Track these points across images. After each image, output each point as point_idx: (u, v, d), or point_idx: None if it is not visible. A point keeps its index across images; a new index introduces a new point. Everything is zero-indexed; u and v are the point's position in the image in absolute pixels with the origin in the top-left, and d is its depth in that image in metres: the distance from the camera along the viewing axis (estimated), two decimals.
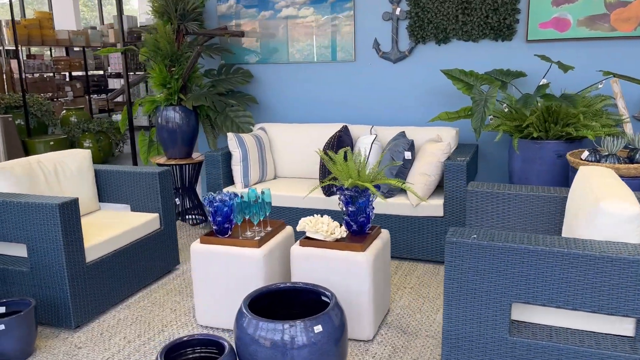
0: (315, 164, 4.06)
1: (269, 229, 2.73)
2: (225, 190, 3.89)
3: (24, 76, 7.95)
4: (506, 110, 3.46)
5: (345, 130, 3.80)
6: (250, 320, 1.96)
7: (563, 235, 2.21)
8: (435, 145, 3.33)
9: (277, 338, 1.91)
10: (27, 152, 6.51)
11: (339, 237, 2.51)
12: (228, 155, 3.94)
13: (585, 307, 1.70)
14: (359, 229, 2.60)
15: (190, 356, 2.06)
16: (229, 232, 2.67)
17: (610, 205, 1.76)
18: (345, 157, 3.31)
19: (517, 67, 3.80)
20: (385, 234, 2.70)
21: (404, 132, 3.74)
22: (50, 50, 10.30)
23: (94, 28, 10.10)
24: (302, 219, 2.61)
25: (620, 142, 2.69)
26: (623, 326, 1.76)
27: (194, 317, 2.81)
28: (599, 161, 2.76)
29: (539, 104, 3.28)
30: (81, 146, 7.25)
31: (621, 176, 2.72)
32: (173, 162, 4.24)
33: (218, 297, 2.62)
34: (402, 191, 3.52)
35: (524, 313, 1.88)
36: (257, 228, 2.73)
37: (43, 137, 6.76)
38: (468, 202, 2.55)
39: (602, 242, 1.74)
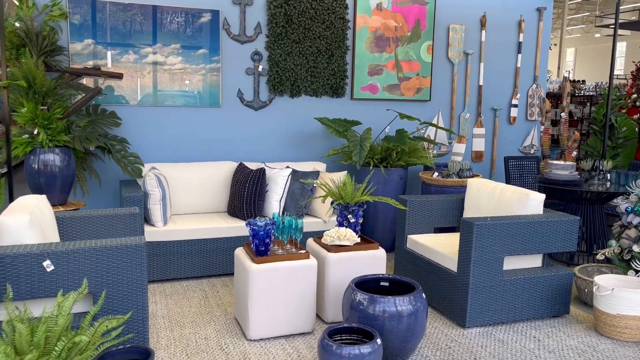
0: (212, 199, 4.44)
1: (288, 247, 3.28)
2: (147, 229, 3.88)
3: None
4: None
5: (243, 167, 4.41)
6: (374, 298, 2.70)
7: (473, 215, 3.71)
8: (336, 174, 4.41)
9: (392, 309, 2.70)
10: None
11: (358, 241, 3.35)
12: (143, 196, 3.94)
13: None
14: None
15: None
16: (268, 252, 3.11)
17: (533, 194, 3.39)
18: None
19: (347, 116, 5.24)
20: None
21: (288, 165, 4.64)
22: None
23: None
24: (326, 232, 3.32)
25: (458, 165, 4.47)
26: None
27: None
28: (446, 177, 4.47)
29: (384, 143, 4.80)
30: None
31: (455, 185, 4.49)
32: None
33: (275, 308, 3.03)
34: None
35: None
36: (288, 246, 3.24)
37: None
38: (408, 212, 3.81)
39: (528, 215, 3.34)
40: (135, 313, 2.50)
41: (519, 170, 5.37)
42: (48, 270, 2.32)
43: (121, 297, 2.46)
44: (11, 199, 3.76)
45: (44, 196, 2.94)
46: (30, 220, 2.42)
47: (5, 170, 3.98)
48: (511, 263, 3.41)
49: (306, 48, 4.96)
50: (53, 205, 3.88)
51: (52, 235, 2.75)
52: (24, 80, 3.72)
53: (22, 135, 3.83)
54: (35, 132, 3.77)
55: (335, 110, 5.20)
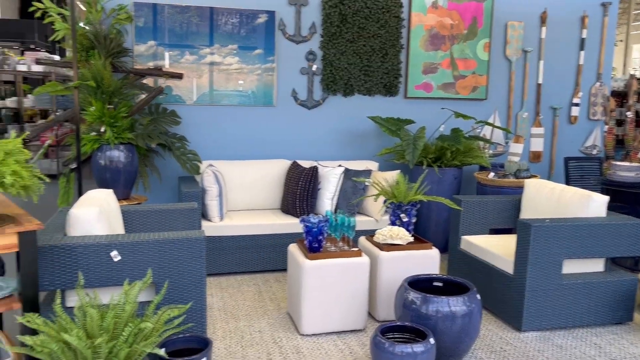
0: (265, 196, 4.53)
1: (340, 244, 3.31)
2: (204, 223, 4.01)
3: None
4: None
5: (296, 165, 4.47)
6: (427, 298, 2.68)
7: (531, 217, 3.61)
8: (388, 174, 4.41)
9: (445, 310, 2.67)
10: None
11: (411, 240, 3.34)
12: (202, 192, 4.07)
13: None
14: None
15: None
16: (321, 248, 3.15)
17: (595, 196, 3.27)
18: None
19: (400, 115, 5.21)
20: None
21: (340, 164, 4.67)
22: None
23: None
24: (378, 231, 3.33)
25: (515, 166, 4.36)
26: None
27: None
28: (503, 178, 4.37)
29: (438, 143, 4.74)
30: None
31: (511, 186, 4.39)
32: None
33: (328, 304, 3.07)
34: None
35: None
36: (341, 244, 3.28)
37: None
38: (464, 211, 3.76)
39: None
40: (194, 304, 2.60)
41: (579, 172, 5.18)
42: (115, 260, 2.45)
43: (182, 287, 2.57)
44: (80, 193, 3.98)
45: (111, 190, 3.10)
46: (99, 213, 2.56)
47: (74, 165, 4.22)
48: (571, 267, 3.30)
49: (360, 47, 4.97)
50: (117, 199, 4.07)
51: (118, 227, 2.90)
52: (93, 81, 3.93)
53: (90, 132, 4.04)
54: (102, 129, 3.97)
55: (389, 109, 5.19)
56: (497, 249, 3.47)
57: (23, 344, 2.04)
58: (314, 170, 4.24)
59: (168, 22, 4.55)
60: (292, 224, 4.18)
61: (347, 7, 4.87)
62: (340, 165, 4.55)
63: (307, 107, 4.99)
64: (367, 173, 4.43)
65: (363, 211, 4.48)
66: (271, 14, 4.76)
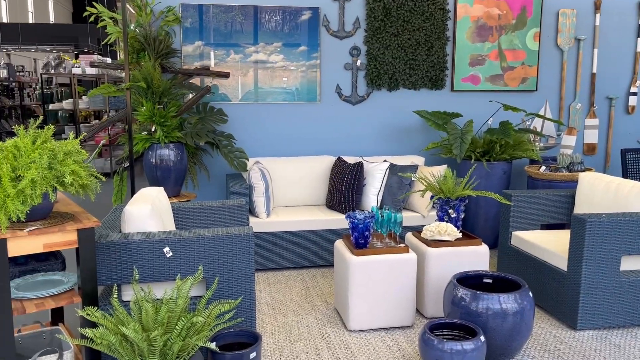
0: (311, 192, 4.56)
1: (387, 240, 3.29)
2: (251, 219, 4.07)
3: None
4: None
5: (341, 161, 4.47)
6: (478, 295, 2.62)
7: (586, 212, 3.48)
8: (435, 168, 4.34)
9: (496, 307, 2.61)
10: None
11: (459, 236, 3.28)
12: (249, 188, 4.14)
13: None
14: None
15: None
16: (367, 244, 3.14)
17: None
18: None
19: (446, 109, 5.12)
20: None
21: (385, 159, 4.63)
22: None
23: None
24: (426, 227, 3.29)
25: (568, 159, 4.22)
26: None
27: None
28: (555, 171, 4.23)
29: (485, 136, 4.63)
30: None
31: (564, 180, 4.24)
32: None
33: (375, 300, 3.06)
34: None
35: None
36: (387, 240, 3.26)
37: None
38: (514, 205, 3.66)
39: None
40: (244, 299, 2.64)
41: (638, 164, 4.95)
42: (167, 256, 2.52)
43: (231, 283, 2.62)
44: (132, 191, 4.11)
45: (162, 188, 3.19)
46: (152, 210, 2.64)
47: (127, 164, 4.37)
48: (630, 263, 3.16)
49: (405, 41, 4.91)
50: (168, 196, 4.18)
51: (169, 224, 2.99)
52: (144, 82, 4.05)
53: (141, 132, 4.17)
54: (153, 129, 4.09)
55: (435, 103, 5.11)
56: (550, 245, 3.37)
57: (83, 336, 2.13)
58: (359, 166, 4.23)
59: (213, 22, 4.64)
60: (338, 220, 4.18)
61: (391, 0, 4.82)
62: (385, 161, 4.52)
63: (351, 102, 4.97)
64: (413, 168, 4.38)
65: (409, 207, 4.43)
66: (315, 10, 4.77)
